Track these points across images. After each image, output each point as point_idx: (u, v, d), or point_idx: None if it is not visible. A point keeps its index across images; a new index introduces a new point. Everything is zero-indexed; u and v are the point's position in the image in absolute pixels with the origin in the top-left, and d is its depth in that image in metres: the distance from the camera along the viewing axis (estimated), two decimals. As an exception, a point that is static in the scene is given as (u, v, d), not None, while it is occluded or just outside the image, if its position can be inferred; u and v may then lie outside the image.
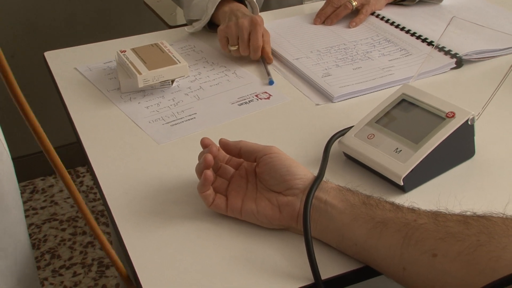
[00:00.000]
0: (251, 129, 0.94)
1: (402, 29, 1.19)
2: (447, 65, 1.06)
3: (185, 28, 1.25)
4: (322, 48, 1.14)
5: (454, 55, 1.08)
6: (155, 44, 1.08)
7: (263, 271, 0.68)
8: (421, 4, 1.30)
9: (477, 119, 0.81)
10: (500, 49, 1.10)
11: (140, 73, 0.99)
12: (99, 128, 0.95)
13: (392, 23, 1.21)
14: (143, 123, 0.95)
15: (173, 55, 1.04)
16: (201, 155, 0.77)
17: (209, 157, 0.73)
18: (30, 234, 2.05)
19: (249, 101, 1.00)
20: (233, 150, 0.77)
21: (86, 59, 1.15)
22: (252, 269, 0.69)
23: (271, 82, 1.04)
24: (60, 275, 1.90)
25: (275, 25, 1.24)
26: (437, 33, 1.13)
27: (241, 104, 1.00)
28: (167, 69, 1.01)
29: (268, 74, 1.06)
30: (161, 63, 1.02)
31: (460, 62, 1.07)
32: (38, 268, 1.91)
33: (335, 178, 0.77)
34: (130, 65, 1.02)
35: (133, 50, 1.06)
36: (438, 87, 1.02)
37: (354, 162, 0.84)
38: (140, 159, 0.87)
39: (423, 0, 1.30)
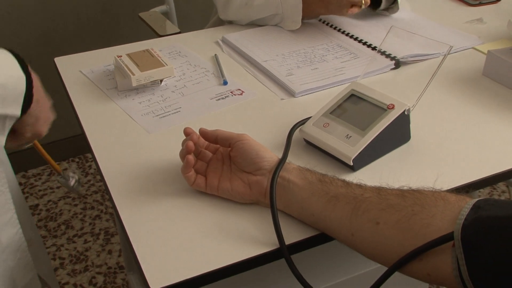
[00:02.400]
0: (226, 120, 0.91)
1: (351, 36, 1.17)
2: (387, 66, 1.05)
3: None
4: (285, 52, 1.12)
5: (393, 58, 1.06)
6: (146, 50, 1.05)
7: (237, 238, 0.67)
8: (368, 15, 1.28)
9: (412, 110, 0.80)
10: (430, 53, 1.09)
11: (133, 74, 0.97)
12: (99, 120, 0.92)
13: (343, 32, 1.19)
14: (136, 116, 0.93)
15: (161, 59, 1.02)
16: (184, 142, 0.75)
17: (191, 143, 0.71)
18: (47, 209, 2.01)
19: (225, 97, 0.98)
20: (210, 137, 0.75)
21: (89, 63, 1.11)
22: (227, 236, 0.67)
23: (225, 82, 1.02)
24: (74, 242, 1.86)
25: (247, 34, 1.21)
26: (379, 39, 1.12)
27: (219, 99, 0.97)
28: (156, 70, 0.99)
29: (222, 75, 1.04)
30: (151, 65, 0.99)
31: (398, 64, 1.06)
32: (56, 236, 1.88)
33: (296, 160, 0.75)
34: (125, 67, 0.99)
35: (128, 55, 1.03)
36: (381, 84, 1.00)
37: (312, 147, 0.83)
38: (134, 146, 0.85)
39: (377, 12, 1.28)
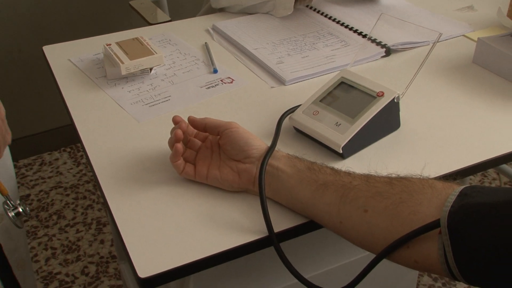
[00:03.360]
0: (216, 108, 0.91)
1: (342, 24, 1.17)
2: (378, 54, 1.05)
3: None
4: (276, 40, 1.11)
5: (384, 46, 1.06)
6: (136, 38, 1.04)
7: (225, 226, 0.67)
8: (359, 3, 1.27)
9: (401, 97, 0.80)
10: (420, 41, 1.08)
11: (123, 63, 0.96)
12: (88, 109, 0.91)
13: (334, 20, 1.19)
14: (125, 104, 0.92)
15: (151, 47, 1.01)
16: (172, 131, 0.75)
17: (179, 132, 0.71)
18: (39, 199, 2.00)
19: (215, 85, 0.97)
20: (199, 125, 0.74)
21: (78, 52, 1.10)
22: (216, 224, 0.67)
23: (215, 71, 1.01)
24: (66, 232, 1.86)
25: (238, 22, 1.20)
26: (370, 27, 1.11)
27: (209, 87, 0.97)
28: (145, 59, 0.98)
29: (213, 64, 1.03)
30: (141, 54, 0.99)
31: (388, 51, 1.06)
32: (47, 226, 1.87)
33: (286, 148, 0.75)
34: (114, 56, 0.98)
35: (117, 43, 1.02)
36: (371, 72, 1.00)
37: (302, 135, 0.83)
38: (123, 135, 0.84)
39: None
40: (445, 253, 0.52)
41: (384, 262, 0.60)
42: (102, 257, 1.76)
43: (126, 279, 1.37)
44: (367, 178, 0.62)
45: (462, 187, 0.55)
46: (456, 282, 1.62)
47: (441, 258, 0.53)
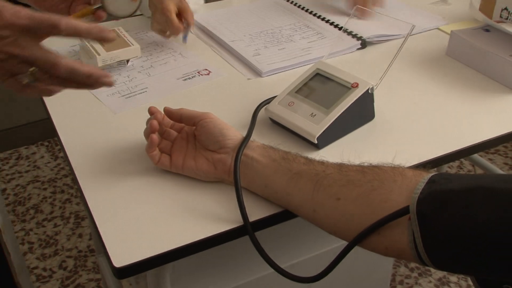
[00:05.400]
0: (193, 100, 0.91)
1: (319, 17, 1.18)
2: (354, 46, 1.06)
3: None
4: (253, 32, 1.12)
5: (359, 38, 1.07)
6: (112, 30, 1.04)
7: (201, 216, 0.67)
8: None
9: (376, 89, 0.81)
10: (395, 34, 1.10)
11: (99, 54, 0.96)
12: (64, 102, 0.91)
13: (311, 12, 1.20)
14: (102, 96, 0.92)
15: (128, 39, 1.01)
16: (148, 121, 0.75)
17: (154, 122, 0.71)
18: (15, 193, 1.98)
19: (192, 77, 0.98)
20: (175, 116, 0.75)
21: (55, 44, 1.08)
22: (191, 214, 0.67)
23: (184, 37, 1.06)
24: (43, 226, 1.85)
25: (215, 14, 1.21)
26: (346, 19, 1.12)
27: (185, 79, 0.97)
28: (122, 50, 0.98)
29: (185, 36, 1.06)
30: (117, 46, 0.98)
31: (364, 44, 1.07)
32: (24, 221, 1.86)
33: (261, 139, 0.76)
34: (91, 47, 0.98)
35: (93, 35, 1.02)
36: (347, 64, 1.01)
37: (278, 126, 0.83)
38: (100, 126, 0.84)
39: None
40: (414, 239, 0.54)
41: (358, 254, 0.61)
42: (80, 251, 1.75)
43: (104, 272, 1.37)
44: (340, 167, 0.64)
45: (431, 174, 0.57)
46: (432, 272, 1.65)
47: (411, 244, 0.54)
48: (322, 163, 0.66)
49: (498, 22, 1.05)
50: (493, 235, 0.48)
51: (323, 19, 1.16)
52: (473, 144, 0.81)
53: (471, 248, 0.49)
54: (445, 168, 2.00)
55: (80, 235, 1.81)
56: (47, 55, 0.57)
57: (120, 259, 0.61)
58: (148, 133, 0.72)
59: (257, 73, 0.98)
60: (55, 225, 1.85)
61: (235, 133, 0.72)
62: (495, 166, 1.79)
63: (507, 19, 1.07)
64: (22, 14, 0.54)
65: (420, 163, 0.76)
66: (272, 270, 0.64)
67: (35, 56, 0.55)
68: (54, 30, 0.57)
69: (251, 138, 0.72)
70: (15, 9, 0.54)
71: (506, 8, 1.05)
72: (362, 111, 0.82)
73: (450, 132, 0.83)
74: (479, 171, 2.07)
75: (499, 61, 0.94)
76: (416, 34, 1.12)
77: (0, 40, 0.54)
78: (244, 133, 0.74)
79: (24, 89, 0.58)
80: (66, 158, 0.79)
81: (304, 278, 0.63)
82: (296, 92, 0.83)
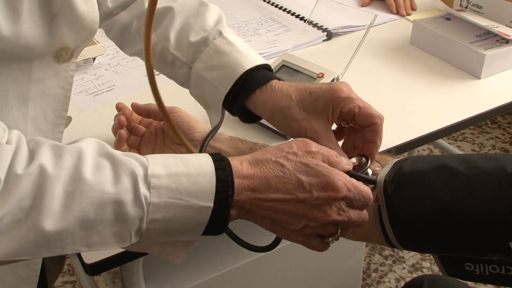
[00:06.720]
0: (161, 95, 0.91)
1: (285, 10, 1.19)
2: (320, 38, 1.07)
3: None
4: (220, 27, 1.12)
5: (325, 30, 1.08)
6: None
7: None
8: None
9: (341, 78, 0.83)
10: (360, 25, 1.11)
11: (64, 53, 0.95)
12: (30, 101, 0.90)
13: (276, 6, 1.21)
14: (68, 95, 0.91)
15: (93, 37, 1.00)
16: (116, 117, 0.75)
17: (122, 118, 0.71)
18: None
19: (159, 73, 0.97)
20: (143, 111, 0.75)
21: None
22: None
23: None
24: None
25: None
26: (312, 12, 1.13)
27: (153, 75, 0.97)
28: (87, 48, 0.97)
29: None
30: (82, 43, 0.98)
31: (330, 35, 1.08)
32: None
33: (230, 131, 0.76)
34: (55, 46, 0.97)
35: (58, 33, 1.01)
36: (314, 55, 1.03)
37: (246, 118, 0.84)
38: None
39: None
40: (381, 221, 0.55)
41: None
42: (54, 254, 1.73)
43: (79, 275, 1.36)
44: None
45: (397, 159, 0.58)
46: (405, 258, 1.69)
47: (377, 226, 0.55)
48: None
49: (459, 10, 1.07)
50: (452, 214, 0.50)
51: (288, 12, 1.17)
52: (438, 129, 0.83)
53: (432, 226, 0.51)
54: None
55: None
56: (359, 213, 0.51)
57: (91, 255, 0.61)
58: (116, 129, 0.72)
59: (225, 67, 0.99)
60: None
61: (203, 127, 0.72)
62: (463, 153, 1.83)
63: (466, 7, 1.09)
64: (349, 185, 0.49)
65: (386, 149, 0.78)
66: (244, 261, 0.64)
67: (351, 221, 0.50)
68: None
69: (219, 131, 0.72)
70: (345, 177, 0.50)
71: (466, -3, 1.08)
72: (328, 101, 0.83)
73: (415, 119, 0.85)
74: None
75: (460, 49, 0.96)
76: (381, 24, 1.14)
77: (331, 208, 0.49)
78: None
79: (325, 247, 0.54)
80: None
81: (259, 248, 0.60)
82: (263, 84, 0.83)
